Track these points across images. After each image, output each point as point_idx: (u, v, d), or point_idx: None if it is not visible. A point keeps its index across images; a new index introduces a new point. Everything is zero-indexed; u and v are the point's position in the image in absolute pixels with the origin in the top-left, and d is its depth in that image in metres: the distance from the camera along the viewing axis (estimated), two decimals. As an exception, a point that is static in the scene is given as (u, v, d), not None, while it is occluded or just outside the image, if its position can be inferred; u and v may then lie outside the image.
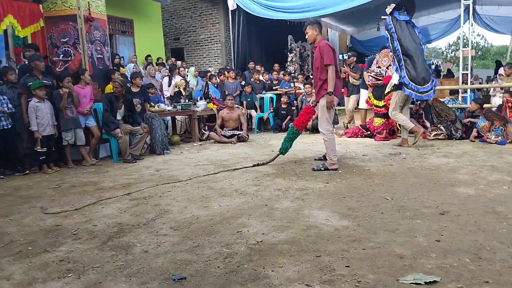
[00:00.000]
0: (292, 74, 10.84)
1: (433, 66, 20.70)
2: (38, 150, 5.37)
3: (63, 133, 5.65)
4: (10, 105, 5.26)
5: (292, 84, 9.61)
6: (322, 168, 4.79)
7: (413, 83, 6.01)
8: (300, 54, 12.58)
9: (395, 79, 6.32)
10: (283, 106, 9.11)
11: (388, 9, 6.10)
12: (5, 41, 6.68)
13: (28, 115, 5.33)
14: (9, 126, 5.26)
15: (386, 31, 6.16)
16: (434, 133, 6.99)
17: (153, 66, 9.64)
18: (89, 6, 6.18)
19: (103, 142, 6.37)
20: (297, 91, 9.23)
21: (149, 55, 10.19)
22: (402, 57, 6.03)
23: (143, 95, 6.80)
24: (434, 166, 4.86)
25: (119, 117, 6.10)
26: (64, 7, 6.05)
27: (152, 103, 7.26)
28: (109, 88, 6.33)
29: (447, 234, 2.74)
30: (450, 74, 15.79)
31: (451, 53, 35.36)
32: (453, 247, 2.52)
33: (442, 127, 6.94)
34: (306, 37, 4.94)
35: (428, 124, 7.14)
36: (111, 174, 5.20)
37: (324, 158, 5.13)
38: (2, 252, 2.76)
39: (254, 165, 5.22)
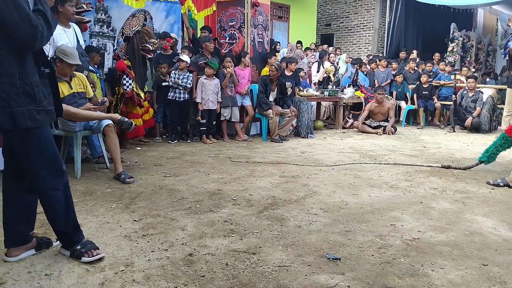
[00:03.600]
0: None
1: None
2: (200, 121, 6.02)
3: (222, 109, 6.21)
4: (189, 81, 5.96)
5: (452, 77, 8.75)
6: (501, 184, 3.95)
7: None
8: (463, 44, 11.34)
9: None
10: (424, 86, 8.53)
11: None
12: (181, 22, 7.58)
13: (196, 90, 6.01)
14: (184, 99, 5.98)
15: None
16: None
17: (302, 51, 9.83)
18: (256, -9, 6.59)
19: (255, 121, 6.81)
20: (458, 84, 8.37)
21: (300, 41, 10.37)
22: None
23: (294, 79, 7.02)
24: None
25: (271, 98, 6.43)
26: (235, -7, 6.57)
27: (300, 87, 7.45)
28: (265, 71, 6.69)
29: None
30: None
31: None
32: None
33: None
34: None
35: None
36: (261, 151, 5.55)
37: None
38: (176, 206, 3.20)
39: (442, 166, 4.67)
